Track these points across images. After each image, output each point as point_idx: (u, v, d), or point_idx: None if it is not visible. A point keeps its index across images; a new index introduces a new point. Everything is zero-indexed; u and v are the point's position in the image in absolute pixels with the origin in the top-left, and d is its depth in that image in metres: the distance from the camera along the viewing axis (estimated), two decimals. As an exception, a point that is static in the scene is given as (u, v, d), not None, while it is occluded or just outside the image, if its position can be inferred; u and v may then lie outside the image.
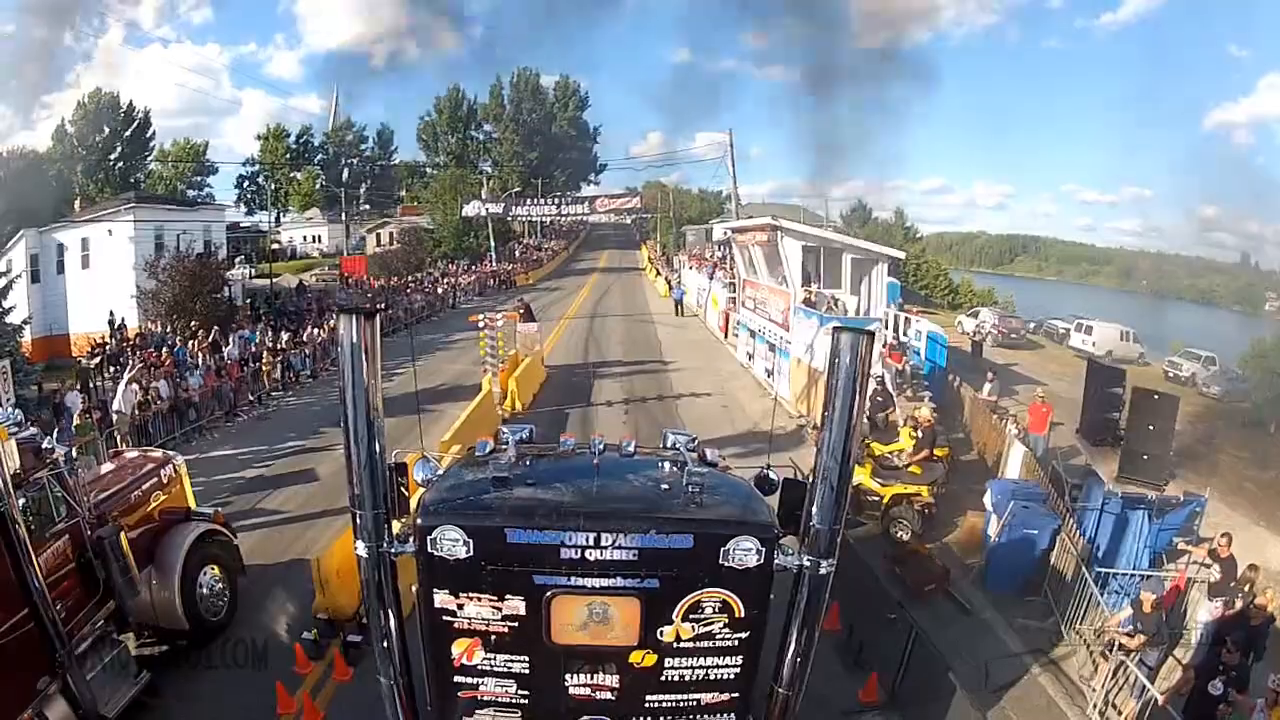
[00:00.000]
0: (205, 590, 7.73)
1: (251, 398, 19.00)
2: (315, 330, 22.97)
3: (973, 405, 15.77)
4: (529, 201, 49.73)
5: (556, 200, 49.18)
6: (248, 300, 34.36)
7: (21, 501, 5.70)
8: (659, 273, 44.11)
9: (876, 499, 10.53)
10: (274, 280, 35.80)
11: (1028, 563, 9.66)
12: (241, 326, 25.83)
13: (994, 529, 9.77)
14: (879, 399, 13.46)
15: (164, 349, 20.28)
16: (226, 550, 8.23)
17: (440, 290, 34.50)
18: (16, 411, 7.15)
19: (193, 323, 24.19)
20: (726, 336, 25.27)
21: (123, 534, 6.77)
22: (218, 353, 21.28)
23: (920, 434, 11.19)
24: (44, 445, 6.63)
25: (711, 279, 29.31)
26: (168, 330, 24.35)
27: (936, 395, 15.39)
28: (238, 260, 50.24)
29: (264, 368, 20.06)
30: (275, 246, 59.78)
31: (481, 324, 14.87)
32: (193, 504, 8.58)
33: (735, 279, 24.48)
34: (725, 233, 51.66)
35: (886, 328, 15.38)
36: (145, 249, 29.73)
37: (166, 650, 7.47)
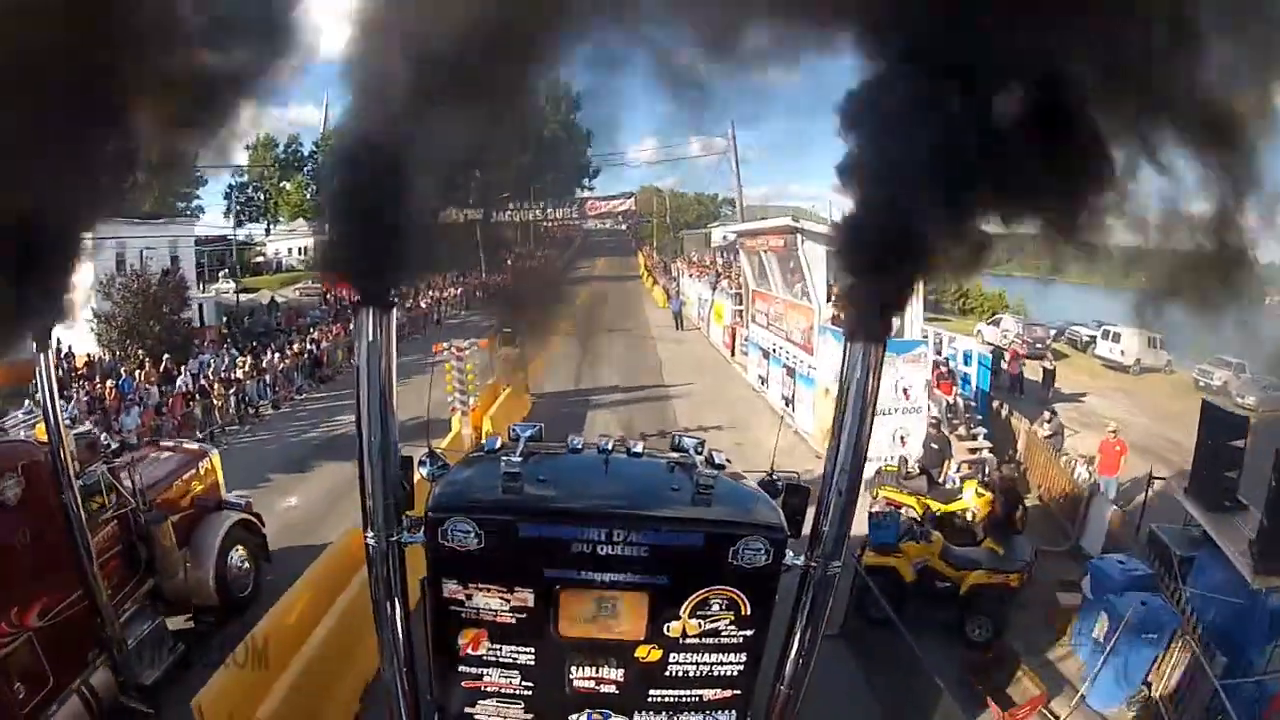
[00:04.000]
0: (234, 570, 8.39)
1: (199, 435, 16.72)
2: (276, 355, 20.66)
3: (1029, 439, 13.56)
4: (512, 206, 47.26)
5: (543, 204, 46.72)
6: (223, 318, 32.15)
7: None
8: (656, 281, 41.94)
9: (948, 585, 8.25)
10: (240, 296, 33.38)
11: (1140, 672, 7.50)
12: (203, 350, 23.65)
13: (1100, 630, 7.57)
14: (934, 445, 11.17)
15: (108, 380, 18.08)
16: (253, 535, 8.88)
17: (423, 304, 32.16)
18: (72, 406, 7.55)
19: (140, 350, 21.89)
20: (733, 354, 22.95)
21: (167, 521, 7.32)
22: (170, 383, 19.15)
23: (991, 492, 8.97)
24: (102, 439, 7.47)
25: (714, 289, 27.02)
26: (119, 357, 22.15)
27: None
28: (221, 274, 48.42)
29: (214, 401, 17.81)
30: (260, 259, 57.86)
31: (444, 354, 12.58)
32: (223, 494, 9.09)
33: (742, 289, 22.22)
34: (725, 238, 49.49)
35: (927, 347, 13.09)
36: (107, 266, 27.49)
37: (194, 627, 7.81)
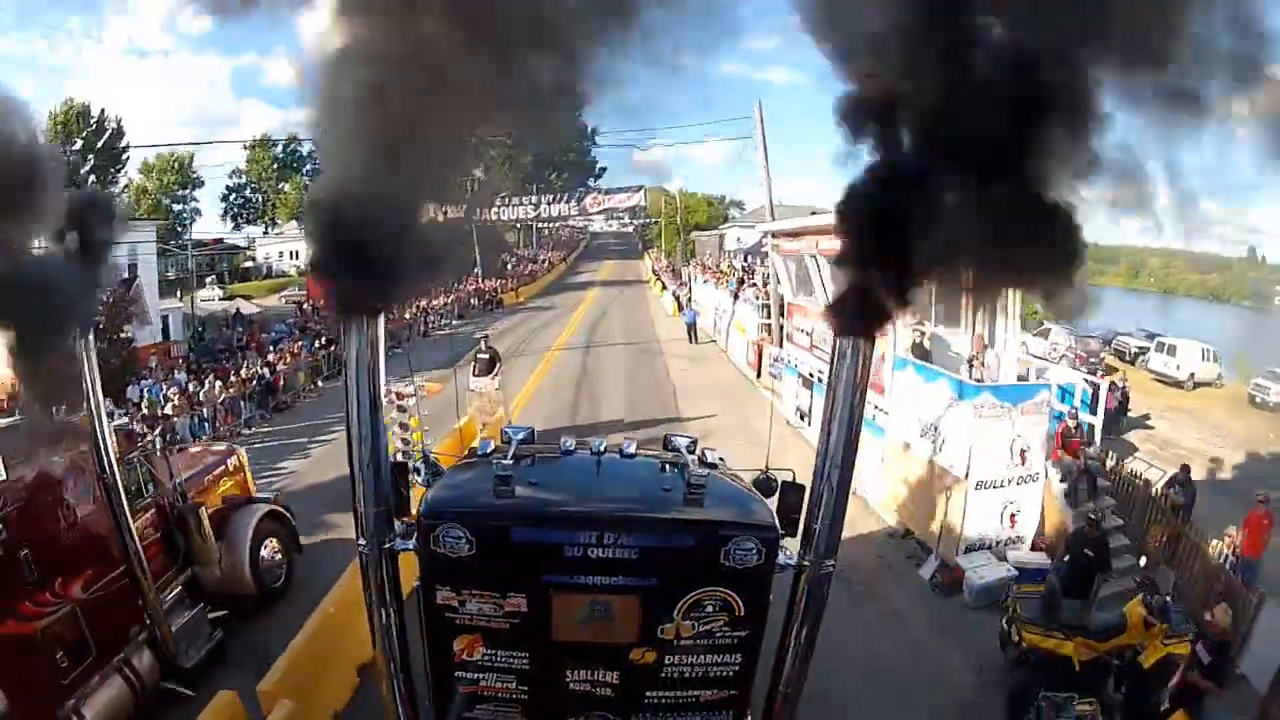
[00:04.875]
0: (268, 562, 8.41)
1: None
2: (218, 383, 17.35)
3: (1145, 501, 10.11)
4: (499, 202, 43.82)
5: (536, 201, 43.24)
6: (191, 331, 29.12)
7: None
8: (665, 286, 38.67)
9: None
10: (212, 306, 30.16)
11: None
12: (146, 374, 20.42)
13: None
14: (1087, 550, 7.73)
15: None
16: (285, 527, 8.82)
17: (407, 315, 28.77)
18: (108, 401, 8.12)
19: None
20: (759, 375, 19.48)
21: (203, 509, 7.45)
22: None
23: (1156, 618, 5.71)
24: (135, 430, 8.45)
25: (736, 299, 23.52)
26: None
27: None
28: (208, 280, 46.23)
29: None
30: (249, 264, 55.36)
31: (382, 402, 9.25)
32: (253, 490, 9.23)
33: (771, 300, 18.81)
34: (740, 239, 45.98)
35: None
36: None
37: (231, 616, 7.75)
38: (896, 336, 9.96)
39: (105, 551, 6.18)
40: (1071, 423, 9.61)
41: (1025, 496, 9.16)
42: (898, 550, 9.88)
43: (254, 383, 18.09)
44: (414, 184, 3.16)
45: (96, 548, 6.11)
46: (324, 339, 22.33)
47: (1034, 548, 9.46)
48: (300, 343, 22.02)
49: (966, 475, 8.63)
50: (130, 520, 6.37)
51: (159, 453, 7.57)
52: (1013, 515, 9.20)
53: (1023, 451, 8.88)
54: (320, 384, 21.07)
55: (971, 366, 9.09)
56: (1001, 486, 8.89)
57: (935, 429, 9.13)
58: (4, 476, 5.38)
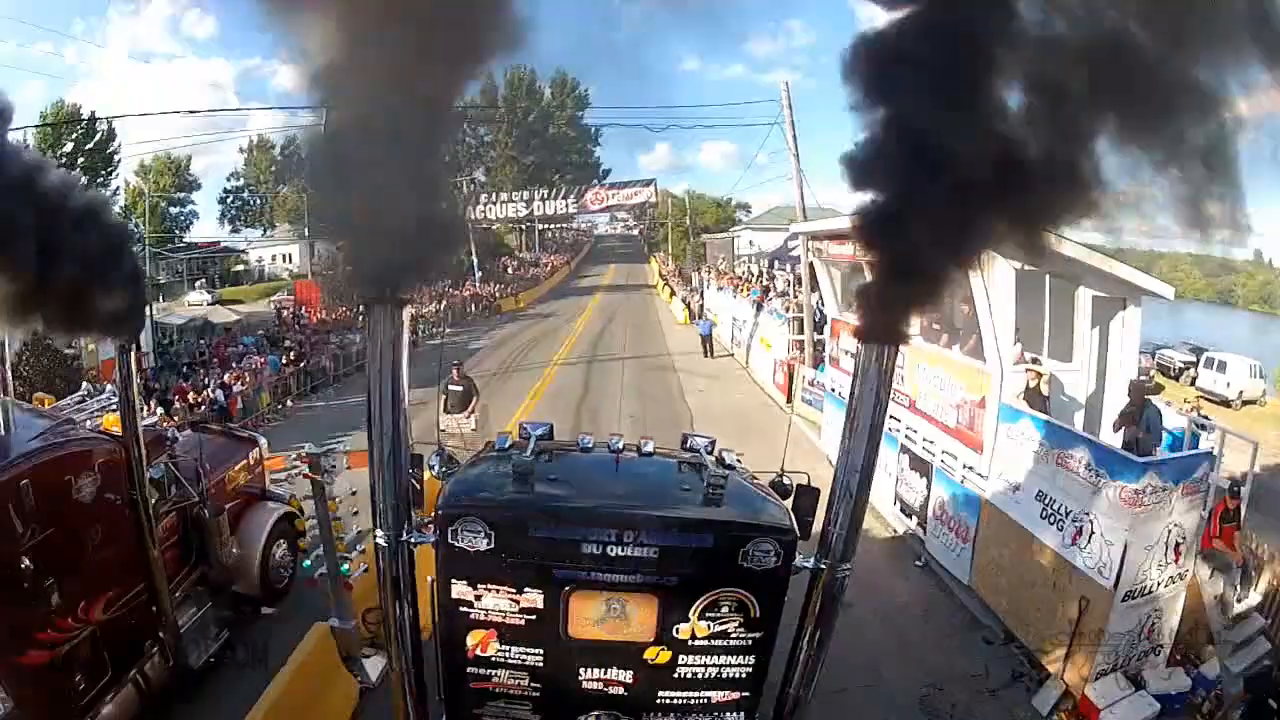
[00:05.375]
0: (275, 561, 8.27)
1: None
2: (160, 409, 14.93)
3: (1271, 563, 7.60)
4: (486, 199, 41.40)
5: (528, 198, 40.80)
6: (162, 341, 26.87)
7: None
8: (674, 292, 36.29)
9: None
10: (173, 315, 27.79)
11: None
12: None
13: None
14: (1271, 700, 5.58)
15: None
16: (293, 526, 8.59)
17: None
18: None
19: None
20: (789, 399, 17.00)
21: (225, 514, 7.36)
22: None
23: None
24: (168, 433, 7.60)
25: (759, 309, 21.01)
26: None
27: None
28: (198, 284, 44.49)
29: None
30: (240, 268, 53.72)
31: (287, 475, 7.03)
32: (268, 483, 8.81)
33: (805, 313, 16.34)
34: (753, 243, 43.38)
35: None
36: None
37: (236, 615, 7.69)
38: (1003, 378, 7.48)
39: (127, 570, 5.96)
40: (1232, 503, 7.01)
41: (1170, 599, 6.69)
42: (997, 662, 7.40)
43: (204, 407, 15.71)
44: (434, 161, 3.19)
45: (120, 566, 5.89)
46: (293, 354, 19.96)
47: (1170, 661, 7.03)
48: (266, 359, 19.63)
49: (1115, 584, 6.12)
50: (157, 542, 6.18)
51: (190, 458, 7.24)
52: (1152, 624, 6.74)
53: (1178, 545, 6.40)
54: (289, 404, 18.76)
55: (1124, 426, 6.58)
56: (1151, 593, 6.41)
57: (1066, 514, 6.65)
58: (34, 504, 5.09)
